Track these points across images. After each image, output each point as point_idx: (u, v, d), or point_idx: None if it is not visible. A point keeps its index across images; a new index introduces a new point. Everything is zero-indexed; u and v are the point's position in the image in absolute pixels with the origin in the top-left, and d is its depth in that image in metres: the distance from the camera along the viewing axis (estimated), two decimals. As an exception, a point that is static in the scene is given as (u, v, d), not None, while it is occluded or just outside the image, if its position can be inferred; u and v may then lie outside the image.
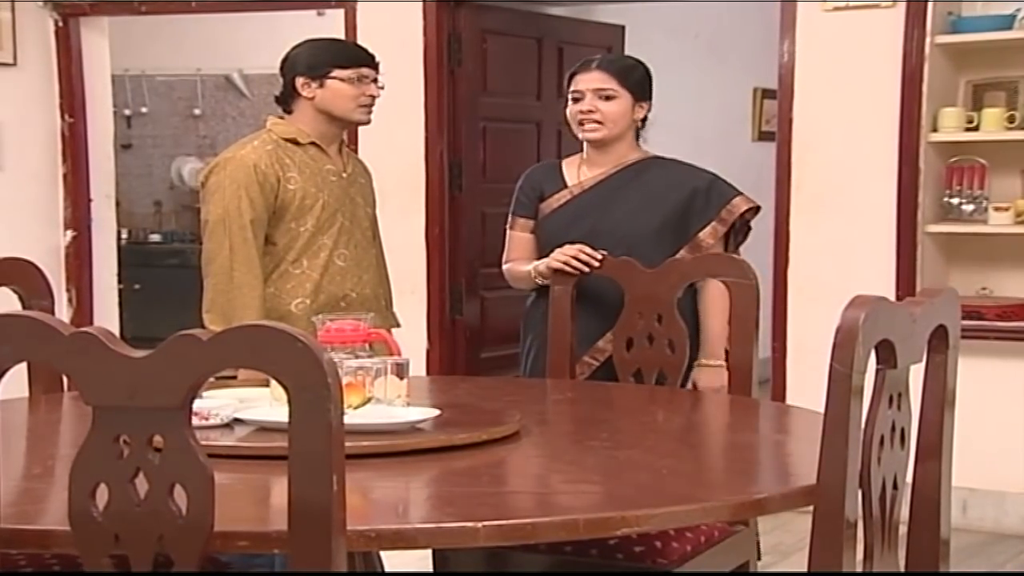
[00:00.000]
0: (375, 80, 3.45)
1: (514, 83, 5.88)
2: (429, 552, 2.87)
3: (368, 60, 3.46)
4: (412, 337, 4.76)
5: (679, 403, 3.07)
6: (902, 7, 4.69)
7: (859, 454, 1.92)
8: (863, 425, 1.94)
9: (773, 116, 5.33)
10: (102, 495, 1.66)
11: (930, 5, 4.63)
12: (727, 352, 3.33)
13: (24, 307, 2.98)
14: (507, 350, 4.64)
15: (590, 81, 3.46)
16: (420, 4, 5.41)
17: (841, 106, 4.86)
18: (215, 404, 2.37)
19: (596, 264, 3.32)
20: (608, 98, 3.46)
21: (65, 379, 2.91)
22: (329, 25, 5.56)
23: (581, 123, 3.49)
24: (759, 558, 3.07)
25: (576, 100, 3.49)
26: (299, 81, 3.41)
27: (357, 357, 2.49)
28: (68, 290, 5.95)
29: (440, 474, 2.18)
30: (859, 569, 1.97)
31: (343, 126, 3.51)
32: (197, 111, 8.72)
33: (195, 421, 1.74)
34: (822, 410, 1.90)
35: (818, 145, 4.90)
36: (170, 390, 1.62)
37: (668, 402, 3.06)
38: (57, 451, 2.42)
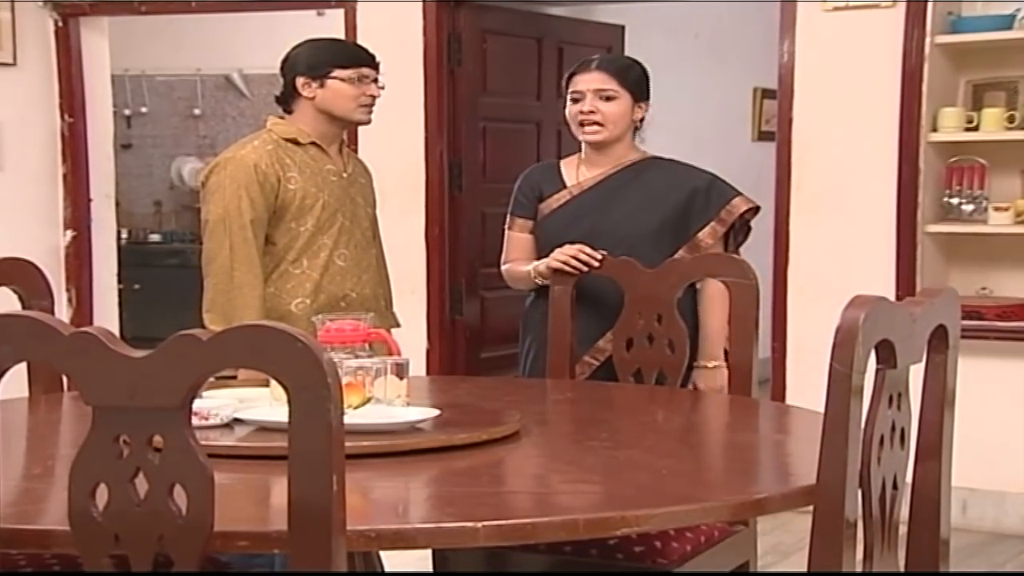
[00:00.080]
0: (375, 80, 3.45)
1: (514, 83, 5.88)
2: (429, 552, 2.87)
3: (368, 60, 3.46)
4: (412, 337, 4.76)
5: (679, 403, 3.07)
6: (902, 7, 4.69)
7: (859, 454, 1.92)
8: (863, 425, 1.94)
9: (773, 116, 5.32)
10: (102, 495, 1.66)
11: (930, 5, 4.63)
12: (727, 352, 3.33)
13: (24, 307, 2.98)
14: (507, 350, 4.64)
15: (590, 82, 3.46)
16: (420, 4, 5.41)
17: (841, 106, 4.86)
18: (215, 404, 2.37)
19: (596, 264, 3.32)
20: (609, 99, 3.46)
21: (65, 379, 2.91)
22: (329, 25, 5.56)
23: (582, 124, 3.49)
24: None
25: (576, 101, 3.49)
26: (299, 81, 3.41)
27: (357, 357, 2.49)
28: (68, 290, 5.95)
29: (440, 474, 2.18)
30: (859, 569, 1.97)
31: (343, 126, 3.51)
32: (197, 111, 8.72)
33: (195, 421, 1.74)
34: (822, 410, 1.90)
35: (818, 145, 4.90)
36: (170, 390, 1.62)
37: (668, 402, 3.06)
38: (57, 451, 2.42)
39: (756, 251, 3.81)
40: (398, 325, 3.60)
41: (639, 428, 2.74)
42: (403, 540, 1.78)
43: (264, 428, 2.30)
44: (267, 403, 2.39)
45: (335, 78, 3.39)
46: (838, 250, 4.89)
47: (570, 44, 5.97)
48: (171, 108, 8.77)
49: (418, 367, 4.72)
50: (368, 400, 2.38)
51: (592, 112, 3.46)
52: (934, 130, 4.70)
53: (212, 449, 1.86)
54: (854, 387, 1.86)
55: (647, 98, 3.53)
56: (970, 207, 4.78)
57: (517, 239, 3.61)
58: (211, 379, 1.70)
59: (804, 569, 1.94)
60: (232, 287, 3.30)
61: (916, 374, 2.10)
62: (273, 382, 2.00)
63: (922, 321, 2.06)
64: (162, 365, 1.62)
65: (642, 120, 3.55)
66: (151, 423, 1.64)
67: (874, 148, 4.80)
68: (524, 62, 5.92)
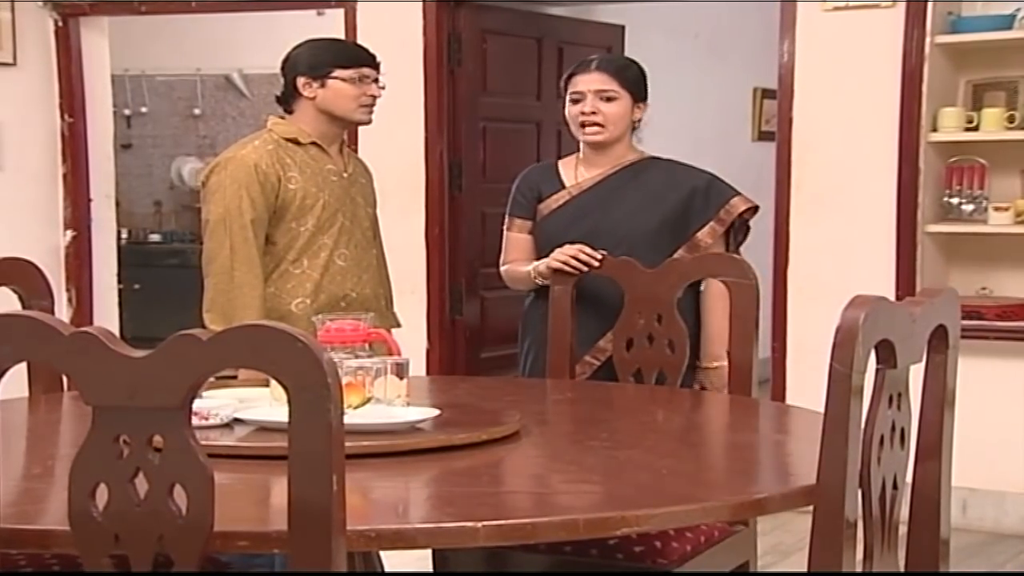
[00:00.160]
0: (376, 80, 3.45)
1: (514, 83, 5.88)
2: (429, 552, 2.87)
3: (369, 60, 3.46)
4: (412, 337, 4.76)
5: (679, 403, 3.07)
6: (902, 7, 4.69)
7: (859, 454, 1.92)
8: (863, 425, 1.94)
9: (773, 116, 5.33)
10: (102, 495, 1.66)
11: (930, 5, 4.63)
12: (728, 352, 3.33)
13: (24, 307, 2.98)
14: (507, 350, 4.65)
15: (590, 82, 3.46)
16: (420, 4, 5.41)
17: (841, 106, 4.86)
18: (215, 404, 2.37)
19: (596, 264, 3.32)
20: (609, 99, 3.46)
21: (65, 379, 2.91)
22: (329, 25, 5.56)
23: (583, 125, 3.49)
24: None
25: (576, 101, 3.48)
26: (300, 81, 3.41)
27: (357, 357, 2.49)
28: (68, 290, 5.95)
29: (440, 474, 2.18)
30: (859, 569, 1.97)
31: (344, 126, 3.51)
32: (197, 111, 8.72)
33: (195, 421, 1.74)
34: (822, 410, 1.90)
35: (818, 145, 4.90)
36: (170, 390, 1.62)
37: (668, 402, 3.06)
38: (57, 451, 2.42)
39: (756, 251, 3.81)
40: (399, 325, 3.60)
41: (639, 428, 2.74)
42: (403, 540, 1.78)
43: (264, 428, 2.30)
44: (267, 403, 2.39)
45: (336, 78, 3.39)
46: (838, 250, 4.89)
47: (570, 44, 5.97)
48: (171, 108, 8.77)
49: (418, 367, 4.72)
50: (368, 400, 2.38)
51: (593, 113, 3.46)
52: (934, 130, 4.70)
53: (212, 449, 1.86)
54: (854, 387, 1.86)
55: (645, 98, 3.53)
56: (970, 207, 4.78)
57: (516, 240, 3.61)
58: (211, 379, 1.70)
59: (804, 569, 1.94)
60: (232, 287, 3.30)
61: (916, 374, 2.10)
62: (273, 382, 2.00)
63: (922, 321, 2.06)
64: (162, 365, 1.62)
65: (639, 120, 3.55)
66: (151, 423, 1.64)
67: (874, 148, 4.80)
68: (524, 62, 5.92)
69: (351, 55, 3.48)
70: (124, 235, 7.90)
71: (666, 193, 3.50)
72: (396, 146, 5.34)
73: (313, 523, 1.60)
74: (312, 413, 1.59)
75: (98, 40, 6.04)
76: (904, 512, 2.14)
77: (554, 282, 3.37)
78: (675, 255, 3.43)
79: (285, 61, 3.47)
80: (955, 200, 4.81)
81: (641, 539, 2.56)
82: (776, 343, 5.01)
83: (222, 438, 2.27)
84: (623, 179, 3.53)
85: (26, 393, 2.95)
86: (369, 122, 3.51)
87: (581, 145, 3.57)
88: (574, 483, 2.17)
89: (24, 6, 5.74)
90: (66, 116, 5.90)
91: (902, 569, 2.17)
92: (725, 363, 3.40)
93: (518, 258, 3.58)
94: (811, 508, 1.92)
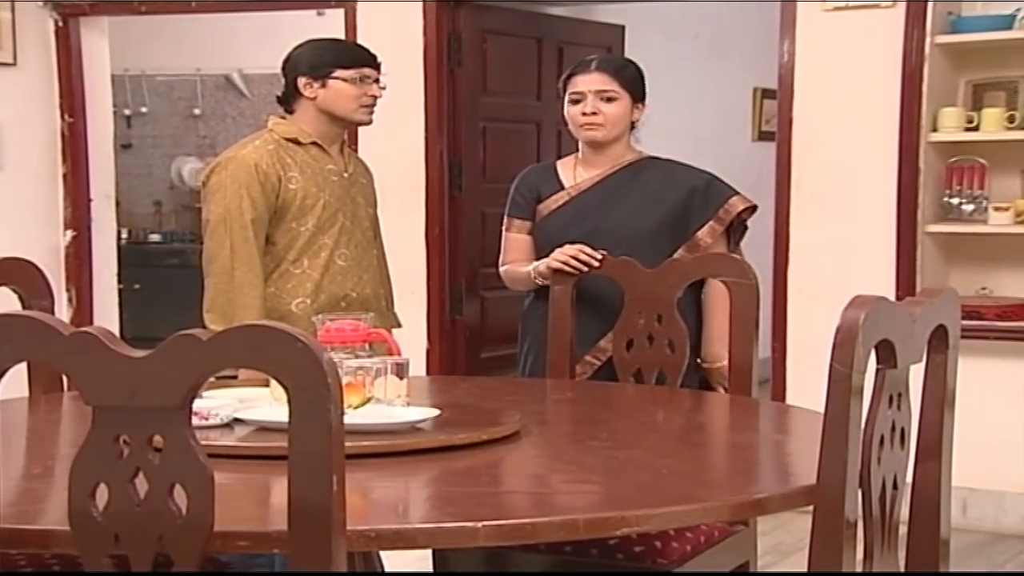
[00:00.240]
0: (377, 80, 3.45)
1: (514, 83, 5.88)
2: (429, 552, 2.87)
3: (370, 60, 3.46)
4: (412, 337, 4.76)
5: (679, 403, 3.07)
6: (902, 7, 4.69)
7: (859, 454, 1.92)
8: (863, 425, 1.94)
9: (773, 116, 5.33)
10: (102, 495, 1.66)
11: (930, 5, 4.63)
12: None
13: (24, 307, 2.98)
14: (507, 350, 4.64)
15: (590, 83, 3.46)
16: (420, 4, 5.41)
17: (841, 106, 4.86)
18: (215, 404, 2.37)
19: (596, 264, 3.32)
20: (610, 99, 3.46)
21: (65, 379, 2.91)
22: (329, 25, 5.56)
23: (583, 125, 3.49)
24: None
25: (576, 102, 3.48)
26: (301, 81, 3.41)
27: (357, 357, 2.49)
28: (68, 290, 5.95)
29: (440, 474, 2.18)
30: (859, 569, 1.97)
31: (345, 126, 3.51)
32: (197, 111, 8.72)
33: (195, 421, 1.74)
34: (822, 410, 1.90)
35: (818, 145, 4.90)
36: (170, 390, 1.62)
37: (668, 402, 3.06)
38: (57, 451, 2.42)
39: (756, 251, 3.82)
40: (399, 325, 3.60)
41: (639, 428, 2.74)
42: (403, 540, 1.78)
43: (264, 428, 2.30)
44: (267, 403, 2.39)
45: (337, 78, 3.39)
46: (838, 250, 4.89)
47: (570, 44, 5.97)
48: (171, 108, 8.77)
49: (418, 367, 4.72)
50: (368, 400, 2.38)
51: (594, 113, 3.46)
52: (934, 130, 4.70)
53: (212, 449, 1.86)
54: (854, 387, 1.86)
55: (644, 99, 3.54)
56: (970, 207, 4.78)
57: (515, 240, 3.61)
58: (211, 379, 1.70)
59: (804, 569, 1.94)
60: (233, 287, 3.30)
61: (916, 374, 2.10)
62: (273, 382, 2.00)
63: (922, 321, 2.06)
64: (162, 365, 1.62)
65: (637, 120, 3.55)
66: (151, 423, 1.64)
67: (874, 148, 4.80)
68: (524, 62, 5.92)
69: (352, 55, 3.48)
70: (124, 235, 7.90)
71: (665, 193, 3.50)
72: (396, 146, 5.34)
73: (313, 523, 1.60)
74: (312, 413, 1.59)
75: (98, 40, 6.04)
76: (904, 512, 2.14)
77: (554, 282, 3.37)
78: (675, 255, 3.43)
79: (286, 61, 3.48)
80: (955, 200, 4.81)
81: (641, 539, 2.56)
82: (776, 343, 5.01)
83: (222, 438, 2.27)
84: (622, 179, 3.53)
85: (26, 393, 2.95)
86: (370, 122, 3.51)
87: (580, 145, 3.57)
88: (574, 483, 2.17)
89: (24, 6, 5.74)
90: (66, 116, 5.90)
91: (902, 569, 2.17)
92: (726, 361, 3.40)
93: (517, 259, 3.58)
94: (811, 508, 1.92)
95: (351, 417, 2.07)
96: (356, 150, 4.63)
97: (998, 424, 4.66)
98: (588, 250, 3.33)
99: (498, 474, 2.27)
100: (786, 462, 2.47)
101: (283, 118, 3.48)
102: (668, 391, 3.15)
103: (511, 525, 1.82)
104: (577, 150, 3.60)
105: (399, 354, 2.59)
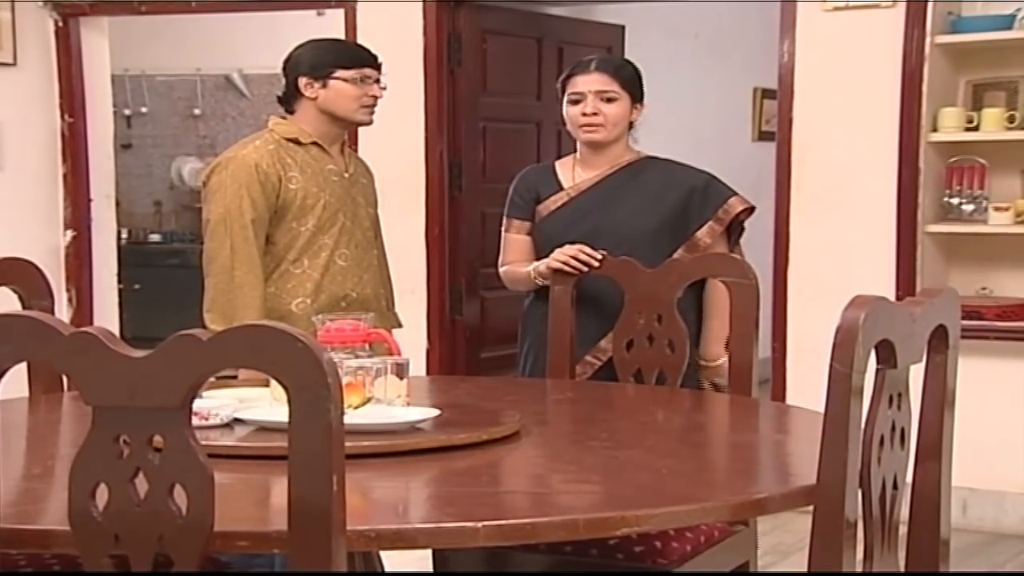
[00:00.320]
0: (378, 81, 3.45)
1: (514, 83, 5.88)
2: (429, 552, 2.87)
3: (371, 60, 3.46)
4: (412, 337, 4.76)
5: (679, 403, 3.07)
6: (902, 7, 4.69)
7: (859, 454, 1.92)
8: (863, 425, 1.94)
9: (773, 116, 5.33)
10: (102, 495, 1.66)
11: (930, 5, 4.63)
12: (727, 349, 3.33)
13: (24, 307, 2.98)
14: (507, 350, 4.64)
15: (590, 83, 3.46)
16: (420, 4, 5.41)
17: (841, 106, 4.86)
18: (215, 404, 2.37)
19: (596, 264, 3.32)
20: (610, 100, 3.46)
21: (65, 379, 2.91)
22: (329, 25, 5.56)
23: (583, 126, 3.48)
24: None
25: (576, 102, 3.48)
26: (302, 81, 3.41)
27: (357, 357, 2.49)
28: (68, 290, 5.95)
29: (440, 474, 2.18)
30: (859, 569, 1.97)
31: (345, 126, 3.51)
32: (197, 111, 8.72)
33: (195, 421, 1.74)
34: (822, 410, 1.90)
35: (818, 145, 4.90)
36: (170, 390, 1.62)
37: (668, 402, 3.06)
38: (57, 451, 2.42)
39: (756, 251, 3.82)
40: (400, 325, 3.60)
41: (639, 428, 2.74)
42: (403, 540, 1.78)
43: (264, 428, 2.30)
44: (267, 403, 2.39)
45: (337, 78, 3.39)
46: (838, 250, 4.89)
47: (570, 44, 5.97)
48: (171, 108, 8.77)
49: (418, 367, 4.72)
50: (368, 400, 2.38)
51: (595, 114, 3.46)
52: (934, 130, 4.70)
53: (212, 449, 1.86)
54: (854, 387, 1.86)
55: (642, 99, 3.54)
56: (970, 207, 4.78)
57: (514, 241, 3.61)
58: (211, 379, 1.70)
59: (804, 569, 1.94)
60: (233, 287, 3.30)
61: (916, 374, 2.10)
62: (273, 382, 2.00)
63: (922, 321, 2.06)
64: (162, 365, 1.62)
65: (635, 121, 3.55)
66: (151, 423, 1.63)
67: (874, 148, 4.80)
68: (524, 62, 5.92)
69: (353, 55, 3.48)
70: (124, 235, 7.91)
71: (665, 193, 3.50)
72: (396, 146, 5.34)
73: (313, 523, 1.60)
74: (312, 413, 1.59)
75: (98, 40, 6.04)
76: (904, 512, 2.14)
77: (554, 282, 3.37)
78: (675, 255, 3.43)
79: (287, 61, 3.47)
80: (955, 200, 4.80)
81: (641, 539, 2.56)
82: (776, 343, 5.01)
83: (222, 438, 2.27)
84: (622, 179, 3.53)
85: (26, 393, 2.95)
86: (370, 123, 3.51)
87: (578, 145, 3.57)
88: (574, 483, 2.17)
89: (24, 6, 5.74)
90: (66, 116, 5.90)
91: (902, 569, 2.17)
92: (726, 359, 3.41)
93: (517, 259, 3.58)
94: (811, 508, 1.92)
95: (351, 417, 2.07)
96: (356, 150, 4.63)
97: (998, 424, 4.66)
98: (588, 250, 3.33)
99: (498, 474, 2.27)
100: (786, 462, 2.47)
101: (284, 118, 3.48)
102: (668, 391, 3.15)
103: (511, 525, 1.82)
104: (575, 150, 3.60)
105: (399, 354, 2.59)
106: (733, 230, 3.54)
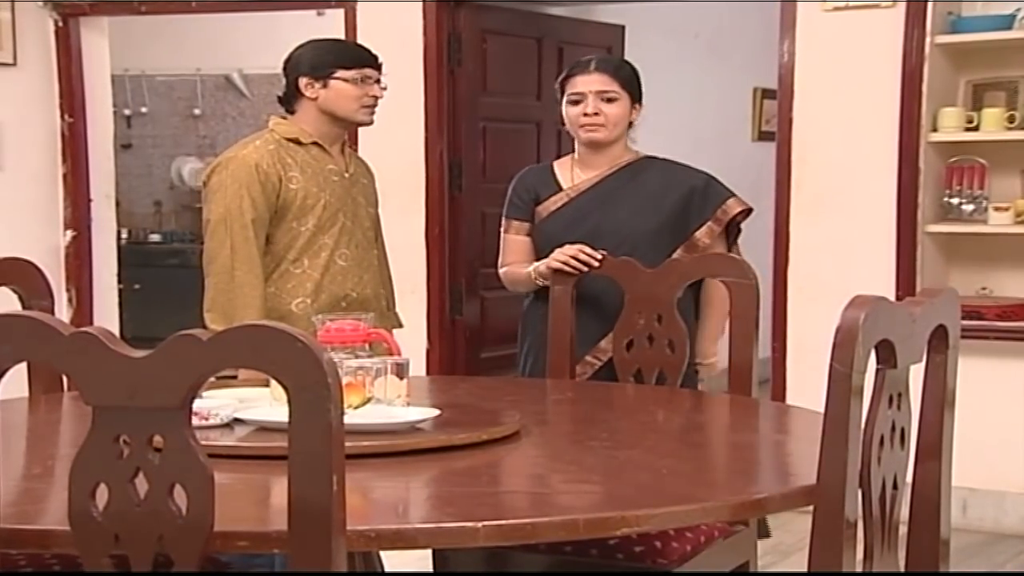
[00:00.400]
0: (378, 81, 3.45)
1: (514, 83, 5.88)
2: (429, 552, 2.87)
3: (371, 61, 3.46)
4: (412, 337, 4.76)
5: (679, 403, 3.07)
6: (902, 7, 4.69)
7: (859, 454, 1.92)
8: (863, 425, 1.94)
9: (773, 116, 5.32)
10: (102, 495, 1.66)
11: (930, 5, 4.63)
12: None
13: (24, 307, 2.98)
14: (507, 350, 4.64)
15: (590, 83, 3.46)
16: (420, 4, 5.41)
17: (841, 106, 4.86)
18: (215, 404, 2.37)
19: (596, 264, 3.32)
20: (610, 100, 3.47)
21: (65, 379, 2.91)
22: (329, 25, 5.56)
23: (584, 126, 3.48)
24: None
25: (576, 103, 3.48)
26: (302, 81, 3.41)
27: (357, 357, 2.49)
28: (68, 290, 5.94)
29: (440, 474, 2.18)
30: (859, 569, 1.97)
31: (346, 126, 3.51)
32: (197, 111, 8.72)
33: (195, 421, 1.74)
34: (822, 410, 1.90)
35: (818, 145, 4.90)
36: (170, 390, 1.62)
37: (668, 402, 3.06)
38: (57, 451, 2.42)
39: (756, 251, 3.82)
40: (400, 325, 3.61)
41: (639, 428, 2.74)
42: (403, 540, 1.78)
43: (264, 428, 2.30)
44: (267, 403, 2.39)
45: (338, 79, 3.39)
46: (838, 250, 4.88)
47: (570, 44, 5.97)
48: (171, 108, 8.77)
49: (418, 367, 4.72)
50: (368, 400, 2.38)
51: (596, 114, 3.46)
52: (934, 130, 4.70)
53: (212, 449, 1.86)
54: (854, 387, 1.86)
55: (641, 98, 3.54)
56: (970, 207, 4.78)
57: (514, 241, 3.61)
58: (211, 379, 1.70)
59: (804, 569, 1.94)
60: (233, 287, 3.30)
61: (916, 374, 2.10)
62: (273, 382, 2.00)
63: (922, 321, 2.06)
64: (162, 365, 1.62)
65: (633, 121, 3.55)
66: (151, 423, 1.64)
67: (874, 148, 4.80)
68: (524, 62, 5.91)
69: (353, 56, 3.48)
70: (124, 235, 7.90)
71: (665, 193, 3.50)
72: (396, 146, 5.34)
73: (313, 523, 1.60)
74: (312, 413, 1.59)
75: (98, 40, 6.04)
76: (904, 512, 2.14)
77: (554, 282, 3.37)
78: (674, 255, 3.43)
79: (287, 61, 3.47)
80: (955, 200, 4.80)
81: (641, 539, 2.56)
82: (776, 343, 5.01)
83: (222, 438, 2.27)
84: (621, 179, 3.53)
85: (26, 393, 2.95)
86: (371, 123, 3.51)
87: (576, 146, 3.57)
88: (574, 483, 2.17)
89: (24, 6, 5.74)
90: (66, 116, 5.89)
91: (902, 569, 2.17)
92: (717, 357, 3.42)
93: (517, 260, 3.58)
94: (811, 508, 1.92)
95: (351, 417, 2.07)
96: (356, 150, 4.63)
97: (998, 424, 4.66)
98: (588, 250, 3.33)
99: (498, 474, 2.27)
100: (786, 462, 2.47)
101: (284, 118, 3.48)
102: (668, 391, 3.15)
103: (511, 525, 1.82)
104: (573, 150, 3.60)
105: (399, 354, 2.59)
106: (730, 231, 3.55)
